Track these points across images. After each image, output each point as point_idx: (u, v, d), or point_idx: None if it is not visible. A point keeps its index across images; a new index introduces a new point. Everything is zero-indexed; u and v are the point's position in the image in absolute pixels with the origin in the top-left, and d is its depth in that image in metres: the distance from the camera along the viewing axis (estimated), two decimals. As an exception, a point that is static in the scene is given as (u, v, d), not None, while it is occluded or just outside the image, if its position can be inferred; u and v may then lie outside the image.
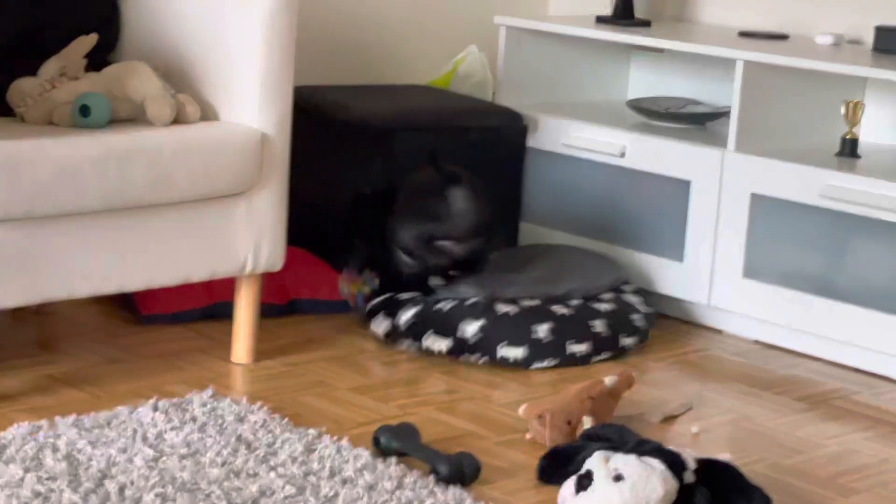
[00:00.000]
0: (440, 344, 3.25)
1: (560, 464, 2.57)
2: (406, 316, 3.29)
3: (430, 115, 3.75)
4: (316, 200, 3.69)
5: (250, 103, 3.04)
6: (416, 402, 3.00)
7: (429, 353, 3.25)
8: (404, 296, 3.35)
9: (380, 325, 3.32)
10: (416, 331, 3.27)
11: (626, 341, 3.38)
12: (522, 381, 3.18)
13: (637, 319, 3.42)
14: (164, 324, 3.36)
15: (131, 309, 3.41)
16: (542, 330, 3.26)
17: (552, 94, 4.10)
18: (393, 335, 3.30)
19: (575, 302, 3.38)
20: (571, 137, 3.80)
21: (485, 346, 3.23)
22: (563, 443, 2.69)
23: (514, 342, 3.24)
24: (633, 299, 3.48)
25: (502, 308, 3.28)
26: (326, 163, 3.71)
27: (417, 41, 4.20)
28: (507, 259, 3.60)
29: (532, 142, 3.88)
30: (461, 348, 3.24)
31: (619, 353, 3.36)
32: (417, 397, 3.03)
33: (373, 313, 3.36)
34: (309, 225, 3.65)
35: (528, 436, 2.80)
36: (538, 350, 3.24)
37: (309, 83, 3.85)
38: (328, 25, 4.00)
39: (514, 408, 2.94)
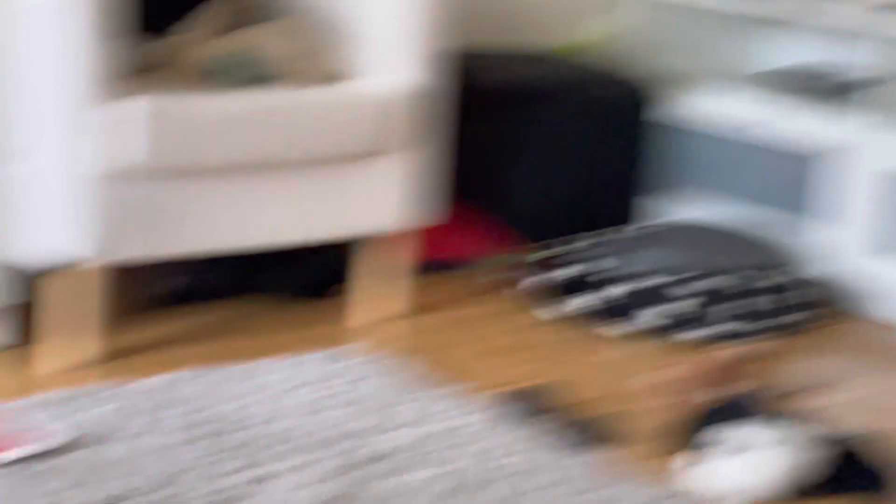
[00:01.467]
0: (617, 331, 3.25)
1: (688, 433, 2.58)
2: (616, 292, 3.29)
3: (550, 83, 3.76)
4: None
5: (392, 64, 3.05)
6: (556, 365, 3.02)
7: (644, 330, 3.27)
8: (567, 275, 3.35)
9: (577, 305, 3.32)
10: (626, 308, 3.28)
11: (795, 317, 3.37)
12: (661, 349, 3.19)
13: (805, 295, 3.41)
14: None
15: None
16: (761, 302, 3.26)
17: (679, 64, 4.08)
18: (599, 315, 3.30)
19: (737, 280, 3.35)
20: (698, 109, 3.78)
21: (661, 329, 3.23)
22: (693, 411, 2.69)
23: (690, 326, 3.24)
24: (792, 277, 3.46)
25: (677, 291, 3.27)
26: (464, 126, 3.72)
27: (544, 9, 4.19)
28: (648, 236, 3.56)
29: (657, 114, 3.87)
30: (639, 332, 3.24)
31: (786, 328, 3.35)
32: (558, 361, 3.05)
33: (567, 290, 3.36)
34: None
35: (659, 403, 2.81)
36: (714, 330, 3.23)
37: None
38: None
39: (644, 378, 2.95)
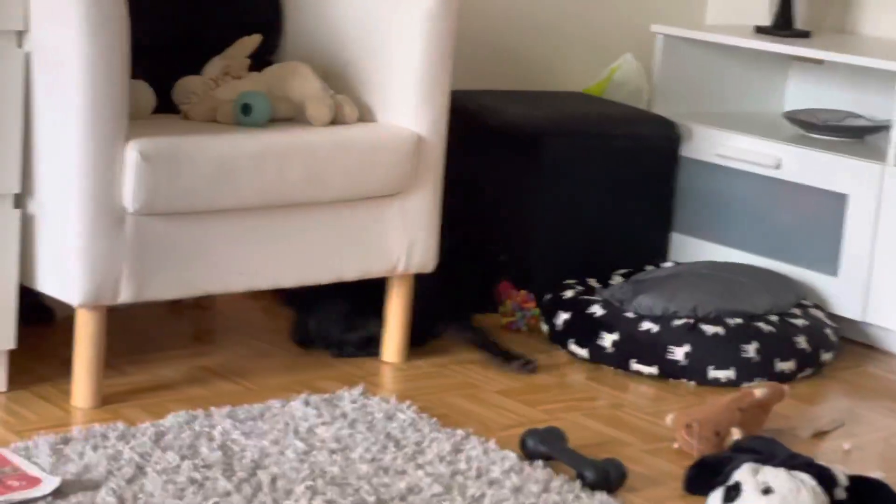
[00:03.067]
0: (647, 370, 3.22)
1: (707, 474, 2.54)
2: (608, 340, 3.26)
3: (580, 121, 3.75)
4: (466, 204, 3.71)
5: (407, 105, 3.08)
6: (563, 406, 3.00)
7: (637, 374, 3.24)
8: (597, 313, 3.32)
9: (580, 349, 3.30)
10: (619, 356, 3.24)
11: (825, 357, 3.33)
12: (671, 390, 3.17)
13: (830, 334, 3.38)
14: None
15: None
16: (751, 349, 3.22)
17: (708, 103, 4.07)
18: (594, 358, 3.28)
19: (773, 318, 3.33)
20: (726, 148, 3.76)
21: (694, 368, 3.20)
22: (710, 453, 2.67)
23: (722, 364, 3.20)
24: (819, 314, 3.44)
25: (709, 329, 3.23)
26: (477, 167, 3.72)
27: (573, 48, 4.20)
28: (663, 273, 3.54)
29: (686, 151, 3.85)
30: (670, 372, 3.21)
31: (818, 368, 3.32)
32: (565, 402, 3.04)
33: (565, 335, 3.34)
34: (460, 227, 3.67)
35: (675, 445, 2.79)
36: (747, 370, 3.19)
37: (464, 87, 3.87)
38: (486, 30, 4.03)
39: (661, 416, 2.93)
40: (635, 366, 3.22)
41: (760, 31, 3.96)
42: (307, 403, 2.82)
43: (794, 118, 3.85)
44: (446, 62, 3.09)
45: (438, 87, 3.08)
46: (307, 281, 3.00)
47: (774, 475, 2.38)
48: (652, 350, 3.22)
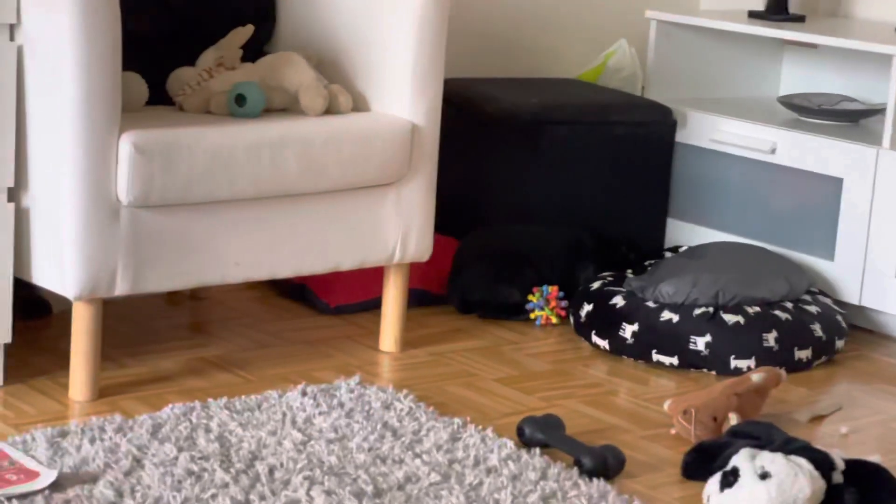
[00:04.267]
0: (668, 360, 3.21)
1: (705, 460, 2.55)
2: (628, 331, 3.24)
3: (576, 108, 3.74)
4: (462, 192, 3.72)
5: (401, 95, 3.07)
6: (560, 394, 3.01)
7: (658, 365, 3.22)
8: (618, 304, 3.30)
9: (601, 341, 3.29)
10: (640, 347, 3.23)
11: (839, 344, 3.33)
12: (670, 376, 3.17)
13: (841, 320, 3.37)
14: (352, 313, 3.41)
15: (311, 301, 3.45)
16: (771, 338, 3.20)
17: (702, 89, 4.06)
18: (616, 350, 3.27)
19: (788, 306, 3.31)
20: (721, 133, 3.76)
21: (715, 359, 3.19)
22: (708, 439, 2.67)
23: (743, 354, 3.18)
24: (827, 300, 3.43)
25: (729, 318, 3.21)
26: (473, 154, 3.72)
27: (567, 35, 4.20)
28: (681, 259, 3.49)
29: (681, 137, 3.84)
30: (691, 362, 3.20)
31: (832, 356, 3.32)
32: (562, 389, 3.04)
33: (589, 327, 3.33)
34: (455, 215, 3.67)
35: (672, 431, 2.79)
36: (767, 359, 3.17)
37: (459, 76, 3.87)
38: (479, 18, 4.02)
39: (659, 402, 2.93)
40: (656, 356, 3.21)
41: (754, 15, 3.96)
42: (304, 394, 2.82)
43: (789, 102, 3.85)
44: (440, 50, 3.08)
45: (432, 76, 3.08)
46: (303, 271, 3.00)
47: (772, 460, 2.38)
48: (673, 341, 3.21)
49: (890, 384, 3.20)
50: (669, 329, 3.21)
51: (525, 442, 2.66)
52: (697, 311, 3.23)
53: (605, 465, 2.55)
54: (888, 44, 3.50)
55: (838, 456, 2.43)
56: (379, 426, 2.69)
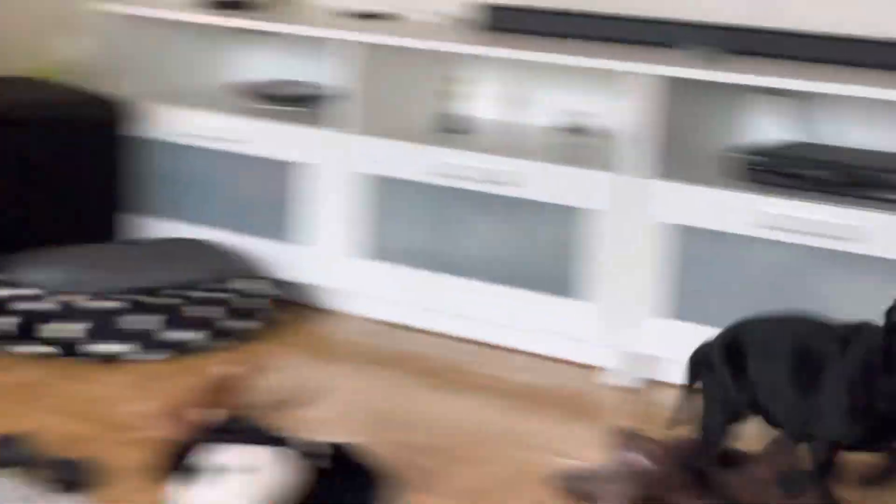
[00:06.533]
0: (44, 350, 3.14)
1: (175, 460, 2.48)
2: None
3: (18, 107, 3.59)
4: None
5: None
6: (28, 409, 2.86)
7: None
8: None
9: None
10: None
11: (239, 325, 3.35)
12: (137, 374, 3.10)
13: (251, 304, 3.40)
14: None
15: None
16: (153, 322, 3.20)
17: (155, 80, 3.99)
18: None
19: (180, 291, 3.31)
20: (175, 124, 3.73)
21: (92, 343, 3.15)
22: (184, 438, 2.59)
23: (116, 337, 3.17)
24: (245, 285, 3.44)
25: (108, 304, 3.19)
26: None
27: (9, 29, 3.99)
28: (108, 252, 3.49)
29: (134, 130, 3.77)
30: (70, 351, 3.15)
31: (236, 339, 3.33)
32: (29, 404, 2.89)
33: None
34: None
35: (148, 433, 2.69)
36: (145, 342, 3.18)
37: None
38: None
39: (132, 405, 2.87)
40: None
41: (202, 4, 3.93)
42: None
43: (240, 90, 3.89)
44: None
45: None
46: None
47: (236, 454, 2.35)
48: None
49: (364, 363, 3.27)
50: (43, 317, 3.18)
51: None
52: (78, 298, 3.20)
53: (78, 476, 2.45)
54: (322, 27, 3.56)
55: (319, 441, 2.42)
56: None
